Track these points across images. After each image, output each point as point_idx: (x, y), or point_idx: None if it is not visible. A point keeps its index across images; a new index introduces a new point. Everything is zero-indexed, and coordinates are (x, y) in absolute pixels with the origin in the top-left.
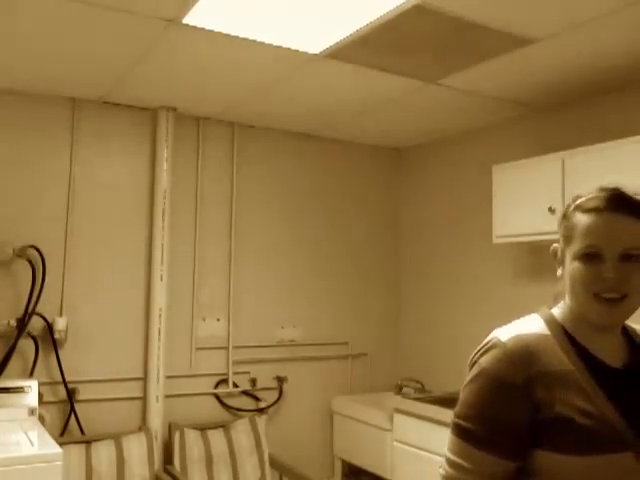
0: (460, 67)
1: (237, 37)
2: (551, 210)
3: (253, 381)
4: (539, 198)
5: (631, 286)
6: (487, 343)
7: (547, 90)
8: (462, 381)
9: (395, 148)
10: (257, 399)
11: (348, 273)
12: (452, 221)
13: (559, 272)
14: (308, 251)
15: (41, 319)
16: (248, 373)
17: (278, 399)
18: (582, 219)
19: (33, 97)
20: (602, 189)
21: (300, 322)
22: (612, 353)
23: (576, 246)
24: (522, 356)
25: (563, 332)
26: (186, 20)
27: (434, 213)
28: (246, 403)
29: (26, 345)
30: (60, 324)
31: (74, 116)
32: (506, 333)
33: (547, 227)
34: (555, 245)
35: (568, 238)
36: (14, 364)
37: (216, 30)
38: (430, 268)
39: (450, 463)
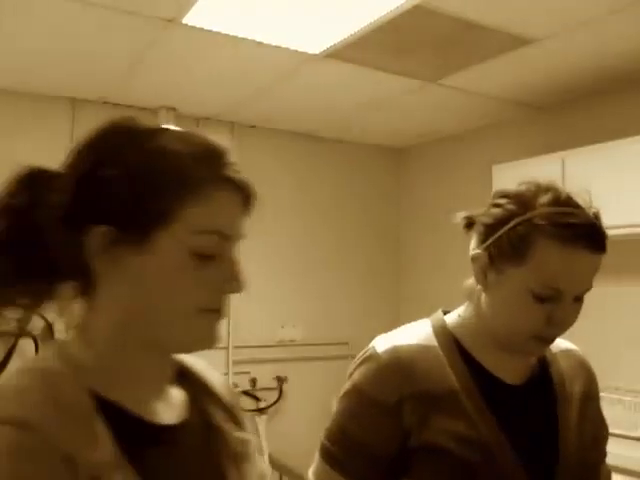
0: (460, 67)
1: (237, 37)
2: None
3: (253, 381)
4: None
5: (570, 324)
6: (364, 353)
7: (547, 90)
8: None
9: (395, 148)
10: (257, 399)
11: (348, 273)
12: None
13: (481, 280)
14: (308, 250)
15: (41, 319)
16: (248, 373)
17: (278, 399)
18: (547, 247)
19: (33, 97)
20: (558, 201)
21: (300, 322)
22: (514, 369)
23: (527, 276)
24: (396, 372)
25: (454, 344)
26: (186, 20)
27: (434, 213)
28: (246, 403)
29: (26, 345)
30: (60, 324)
31: (74, 116)
32: (384, 343)
33: None
34: (479, 253)
35: (512, 255)
36: (14, 364)
37: (216, 30)
38: (430, 268)
39: None
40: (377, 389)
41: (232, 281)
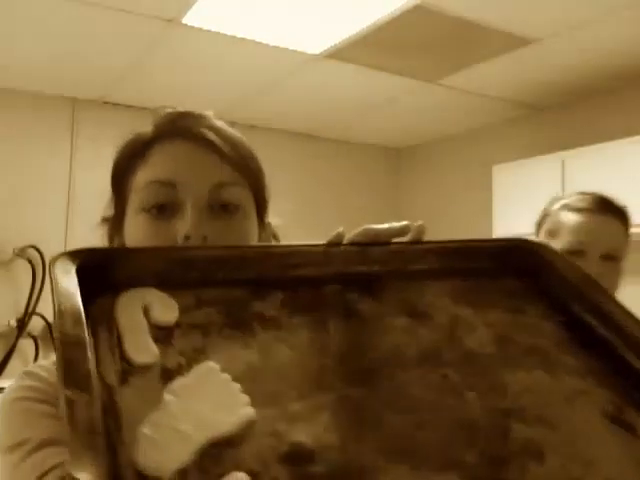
0: (460, 67)
1: (237, 37)
2: None
3: None
4: (539, 198)
5: None
6: None
7: (547, 90)
8: None
9: (395, 148)
10: None
11: None
12: (452, 221)
13: None
14: None
15: (41, 319)
16: None
17: None
18: (571, 217)
19: (33, 97)
20: (585, 193)
21: None
22: None
23: (562, 242)
24: None
25: None
26: (186, 20)
27: (434, 213)
28: None
29: (26, 345)
30: None
31: (74, 116)
32: None
33: None
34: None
35: (553, 232)
36: (14, 364)
37: (216, 30)
38: None
39: None
40: None
41: (183, 232)
